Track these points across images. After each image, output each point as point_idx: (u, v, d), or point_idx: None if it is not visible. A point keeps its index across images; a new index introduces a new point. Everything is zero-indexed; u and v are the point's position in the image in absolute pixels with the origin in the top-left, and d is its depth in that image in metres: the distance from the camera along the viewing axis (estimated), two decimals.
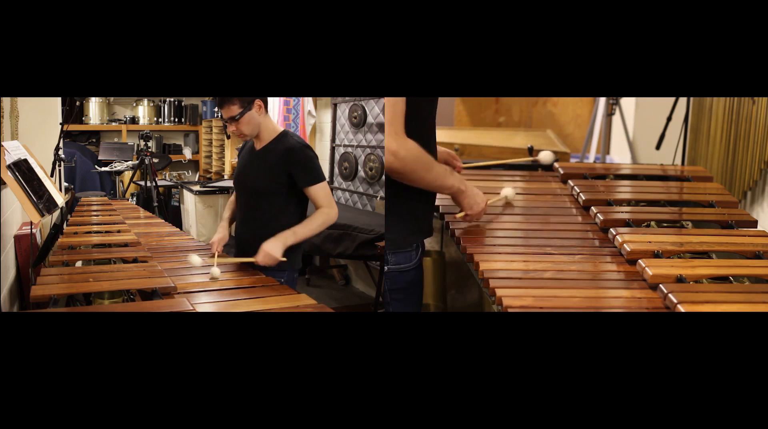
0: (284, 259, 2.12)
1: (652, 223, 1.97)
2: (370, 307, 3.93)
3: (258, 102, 2.16)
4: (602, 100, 4.10)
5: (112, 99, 6.77)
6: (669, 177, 2.38)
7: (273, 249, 2.09)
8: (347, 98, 4.68)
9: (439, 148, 1.95)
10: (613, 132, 4.45)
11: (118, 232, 2.70)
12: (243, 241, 2.26)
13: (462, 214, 1.94)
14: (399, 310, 1.86)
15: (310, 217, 2.18)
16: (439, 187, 1.83)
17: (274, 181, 2.16)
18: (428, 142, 1.75)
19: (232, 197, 2.43)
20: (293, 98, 5.11)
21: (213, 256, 2.17)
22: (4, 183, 2.39)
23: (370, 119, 4.42)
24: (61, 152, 3.44)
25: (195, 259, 2.10)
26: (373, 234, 3.39)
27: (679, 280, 1.58)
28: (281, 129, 2.26)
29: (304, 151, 2.16)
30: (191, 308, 1.64)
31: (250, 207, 2.25)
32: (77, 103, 6.17)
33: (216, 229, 2.39)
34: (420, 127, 1.72)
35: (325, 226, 2.19)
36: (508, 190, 2.13)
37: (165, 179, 6.41)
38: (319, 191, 2.16)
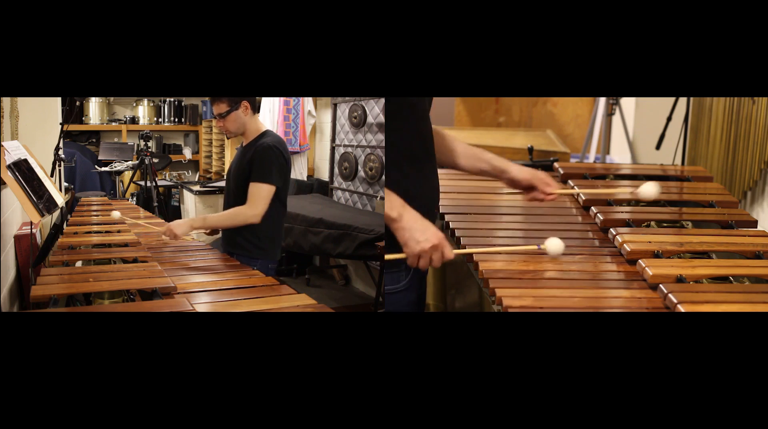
0: (192, 238, 2.39)
1: (652, 223, 1.97)
2: (370, 307, 3.93)
3: (244, 103, 2.31)
4: (602, 100, 4.09)
5: (112, 99, 6.77)
6: (669, 177, 2.38)
7: (176, 226, 2.33)
8: (347, 98, 4.68)
9: (529, 170, 1.73)
10: (613, 132, 4.45)
11: (118, 232, 2.70)
12: (227, 234, 2.41)
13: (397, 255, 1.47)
14: None
15: (226, 211, 2.36)
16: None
17: (248, 177, 2.30)
18: (425, 147, 1.62)
19: None
20: (293, 98, 5.11)
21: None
22: (4, 183, 2.39)
23: (370, 119, 4.42)
24: (61, 152, 3.44)
25: (115, 214, 2.53)
26: (373, 234, 3.38)
27: (679, 280, 1.58)
28: (264, 129, 2.41)
29: (266, 150, 2.27)
30: (191, 308, 1.64)
31: (233, 202, 2.39)
32: (77, 103, 6.16)
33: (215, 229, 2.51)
34: (417, 134, 1.59)
35: (236, 221, 2.30)
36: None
37: (165, 179, 6.41)
38: (253, 189, 2.26)
